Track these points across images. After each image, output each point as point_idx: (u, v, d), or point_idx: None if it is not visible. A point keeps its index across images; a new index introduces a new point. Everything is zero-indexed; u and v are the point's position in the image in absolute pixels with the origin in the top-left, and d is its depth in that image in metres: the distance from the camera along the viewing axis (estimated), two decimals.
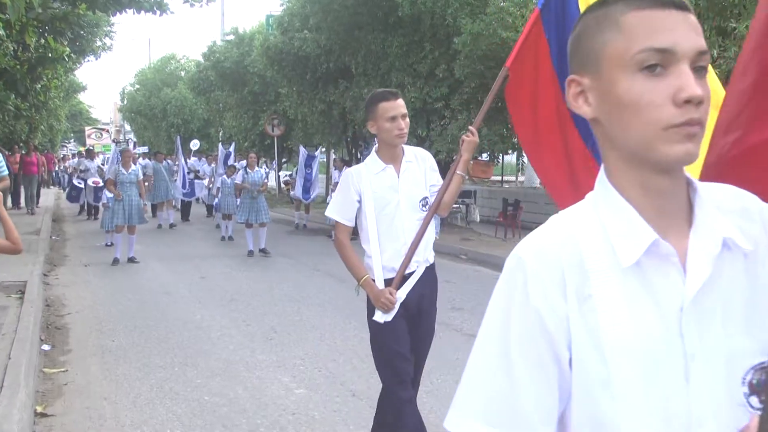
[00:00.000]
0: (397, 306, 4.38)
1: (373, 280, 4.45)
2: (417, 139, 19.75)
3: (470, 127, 4.56)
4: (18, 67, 18.04)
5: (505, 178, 31.19)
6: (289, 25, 23.45)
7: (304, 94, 24.74)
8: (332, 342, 8.56)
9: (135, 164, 15.38)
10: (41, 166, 27.61)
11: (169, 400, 6.53)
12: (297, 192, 21.33)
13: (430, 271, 4.65)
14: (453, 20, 17.76)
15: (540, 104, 4.39)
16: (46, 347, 8.31)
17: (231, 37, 34.03)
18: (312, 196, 21.41)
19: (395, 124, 4.43)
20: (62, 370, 7.50)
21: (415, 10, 18.00)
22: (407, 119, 4.52)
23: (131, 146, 25.51)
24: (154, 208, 24.21)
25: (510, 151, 21.10)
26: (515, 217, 19.76)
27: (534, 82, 4.42)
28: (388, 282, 4.42)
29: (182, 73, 51.23)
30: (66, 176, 36.01)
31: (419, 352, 4.69)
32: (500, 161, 28.32)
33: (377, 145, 4.68)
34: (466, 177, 4.76)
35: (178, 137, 25.86)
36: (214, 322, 9.62)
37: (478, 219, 21.75)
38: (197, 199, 26.14)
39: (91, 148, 30.84)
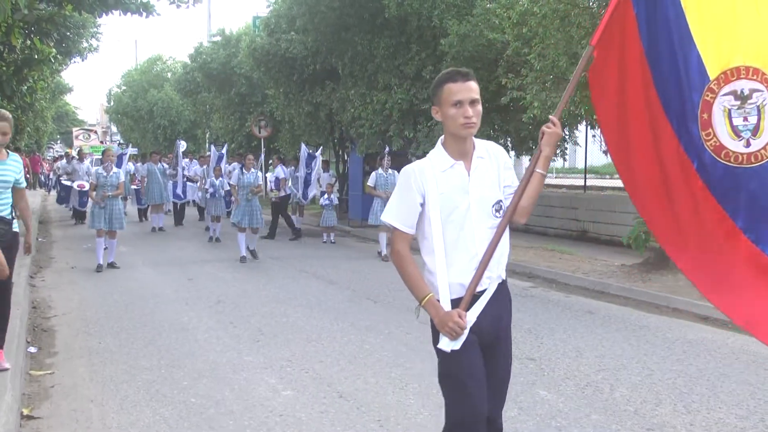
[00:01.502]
0: (466, 331, 3.69)
1: (437, 300, 3.74)
2: (404, 140, 19.77)
3: (551, 117, 3.91)
4: (4, 68, 17.98)
5: None
6: (275, 26, 23.44)
7: (291, 96, 24.74)
8: (319, 343, 8.56)
9: (116, 167, 15.17)
10: (25, 168, 27.43)
11: (155, 402, 6.52)
12: (298, 193, 21.09)
13: (503, 288, 3.92)
14: (439, 22, 17.81)
15: (628, 90, 4.02)
16: (32, 349, 8.29)
17: (218, 39, 33.98)
18: (310, 197, 21.32)
19: (461, 110, 3.71)
20: (49, 372, 7.48)
21: (401, 12, 18.03)
22: (479, 106, 3.77)
23: (127, 148, 25.26)
24: (142, 211, 24.08)
25: None
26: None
27: (621, 65, 4.03)
28: (455, 302, 3.73)
29: (169, 75, 51.11)
30: (54, 178, 35.87)
31: (497, 387, 3.97)
32: None
33: (443, 136, 3.93)
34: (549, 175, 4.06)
35: (179, 141, 25.74)
36: (200, 323, 9.60)
37: None
38: (191, 202, 25.95)
39: (79, 148, 30.63)
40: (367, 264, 15.34)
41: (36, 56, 19.46)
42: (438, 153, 3.87)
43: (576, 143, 22.89)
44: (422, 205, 3.79)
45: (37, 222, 22.90)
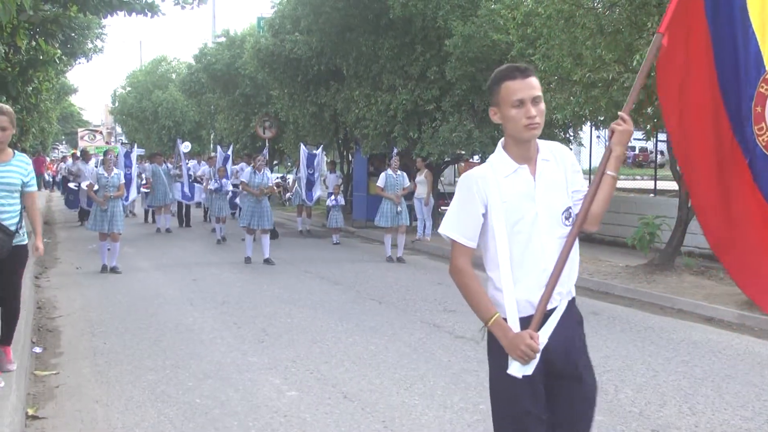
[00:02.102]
0: (538, 355, 3.32)
1: (504, 320, 3.39)
2: (408, 141, 19.77)
3: (621, 113, 3.56)
4: (9, 69, 17.97)
5: None
6: (280, 27, 23.44)
7: (295, 96, 24.74)
8: (324, 344, 8.56)
9: (122, 167, 15.06)
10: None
11: (160, 402, 6.53)
12: (300, 194, 21.03)
13: (572, 306, 3.56)
14: (444, 22, 17.81)
15: (692, 80, 3.76)
16: (37, 350, 8.30)
17: (222, 40, 33.96)
18: (315, 197, 21.23)
19: (523, 110, 3.36)
20: (53, 372, 7.49)
21: (406, 13, 18.03)
22: (542, 104, 3.42)
23: (133, 148, 25.17)
24: (147, 212, 24.03)
25: None
26: None
27: (686, 52, 3.74)
28: (524, 322, 3.38)
29: (173, 76, 51.08)
30: (59, 178, 35.90)
31: (574, 421, 3.56)
32: None
33: (504, 140, 3.58)
34: (619, 177, 3.66)
35: (179, 140, 25.70)
36: (205, 324, 9.61)
37: None
38: (198, 204, 25.83)
39: (85, 150, 30.61)
40: (371, 265, 15.34)
41: (41, 57, 19.44)
42: (499, 157, 3.52)
43: (581, 144, 22.87)
44: (484, 215, 3.45)
45: (41, 223, 22.91)
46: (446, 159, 20.74)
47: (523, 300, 3.40)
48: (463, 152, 20.06)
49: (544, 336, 3.36)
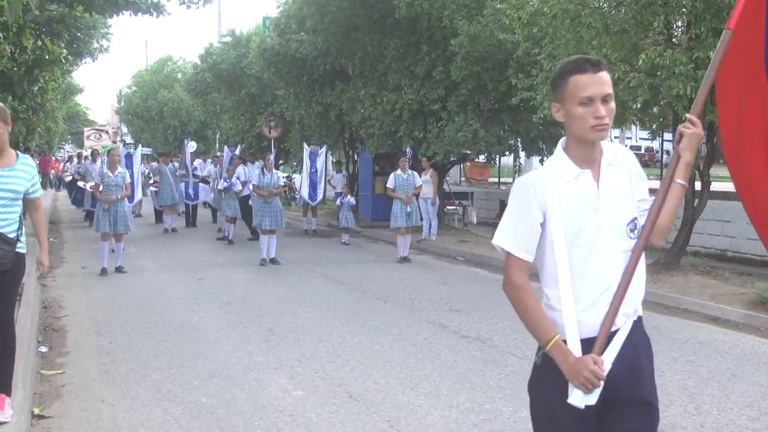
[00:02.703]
0: (602, 382, 2.97)
1: (564, 341, 3.04)
2: (414, 141, 19.76)
3: (688, 116, 3.21)
4: (15, 69, 18.03)
5: (502, 179, 31.21)
6: (285, 27, 23.44)
7: (300, 96, 24.74)
8: (329, 344, 8.56)
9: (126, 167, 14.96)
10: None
11: (166, 401, 6.53)
12: (303, 194, 21.02)
13: (639, 327, 3.22)
14: (450, 22, 17.79)
15: (749, 81, 3.46)
16: (43, 349, 8.32)
17: (228, 39, 33.98)
18: (319, 198, 21.18)
19: (591, 109, 3.04)
20: (59, 372, 7.50)
21: (411, 12, 18.02)
22: (612, 103, 3.09)
23: (136, 148, 25.09)
24: (159, 213, 24.01)
25: (507, 153, 21.08)
26: None
27: (748, 51, 3.43)
28: (585, 344, 3.03)
29: (179, 75, 51.17)
30: (65, 179, 35.95)
31: None
32: (497, 163, 28.36)
33: (565, 139, 3.26)
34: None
35: (186, 140, 25.70)
36: (211, 324, 9.62)
37: (475, 221, 21.77)
38: (204, 204, 25.76)
39: (94, 150, 30.62)
40: (377, 264, 15.33)
41: (47, 57, 19.51)
42: (559, 160, 3.19)
43: None
44: (542, 224, 3.10)
45: (47, 222, 22.96)
46: (452, 159, 20.71)
47: (585, 320, 3.07)
48: (468, 152, 20.03)
49: (608, 361, 3.01)
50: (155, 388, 6.90)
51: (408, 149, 17.88)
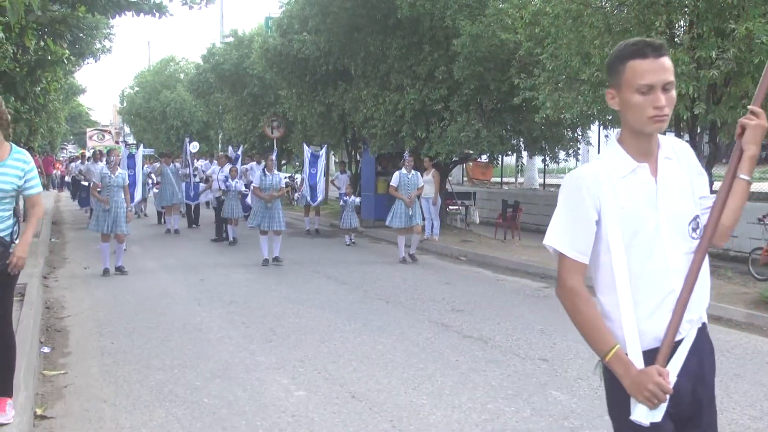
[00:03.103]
0: (668, 396, 2.74)
1: (626, 354, 2.80)
2: (416, 140, 19.76)
3: (752, 107, 2.96)
4: (17, 69, 18.03)
5: (505, 179, 31.24)
6: (288, 27, 23.46)
7: (303, 96, 24.76)
8: (331, 344, 8.56)
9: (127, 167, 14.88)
10: (38, 169, 27.14)
11: (168, 402, 6.53)
12: (304, 194, 21.00)
13: (703, 335, 3.01)
14: (452, 22, 17.79)
15: None
16: (45, 349, 8.32)
17: (230, 40, 34.03)
18: (320, 198, 21.14)
19: (650, 98, 2.79)
20: (62, 372, 7.51)
21: (414, 12, 18.01)
22: (673, 91, 2.85)
23: (137, 149, 25.02)
24: (161, 214, 23.99)
25: (509, 153, 21.07)
26: (515, 219, 19.78)
27: None
28: (647, 355, 2.80)
29: (181, 76, 51.23)
30: (70, 179, 36.02)
31: None
32: (500, 163, 28.36)
33: (620, 131, 3.02)
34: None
35: (188, 139, 25.68)
36: (213, 324, 9.62)
37: (478, 221, 21.75)
38: (207, 204, 25.68)
39: (97, 150, 30.64)
40: (379, 265, 15.33)
41: (49, 57, 19.51)
42: (614, 152, 2.95)
43: (589, 143, 22.86)
44: (597, 223, 2.86)
45: (50, 223, 22.99)
46: (454, 159, 20.70)
47: (647, 330, 2.83)
48: (471, 152, 20.02)
49: (673, 372, 2.79)
50: (157, 389, 6.90)
51: (405, 153, 17.77)
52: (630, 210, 2.82)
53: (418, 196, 16.58)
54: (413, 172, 16.35)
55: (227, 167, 19.78)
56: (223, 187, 19.30)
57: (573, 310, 2.87)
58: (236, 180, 19.30)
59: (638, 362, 2.76)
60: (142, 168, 21.33)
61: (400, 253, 15.98)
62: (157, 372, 7.45)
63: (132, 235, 14.97)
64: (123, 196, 13.82)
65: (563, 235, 2.90)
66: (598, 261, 2.90)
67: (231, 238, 18.96)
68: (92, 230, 14.31)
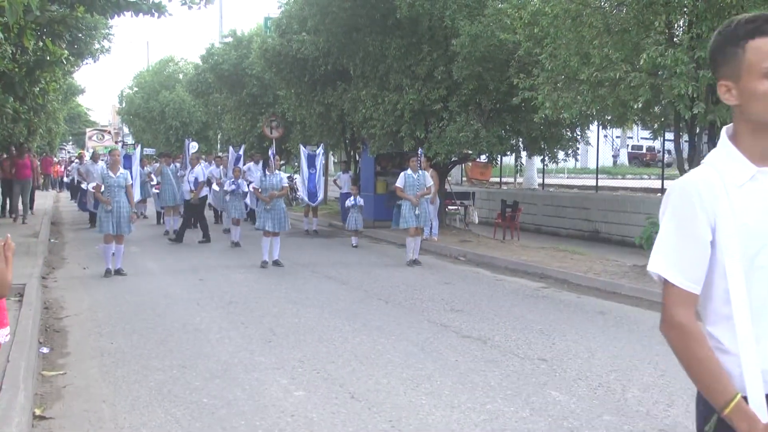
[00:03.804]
0: None
1: (744, 398, 2.27)
2: (415, 141, 19.75)
3: None
4: (16, 70, 18.03)
5: (504, 179, 31.25)
6: (287, 27, 23.46)
7: (302, 96, 24.75)
8: (331, 344, 8.55)
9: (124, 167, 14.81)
10: (35, 169, 26.77)
11: (167, 402, 6.53)
12: (303, 195, 20.96)
13: None
14: (451, 22, 17.79)
15: None
16: (44, 350, 8.31)
17: (229, 40, 33.99)
18: (319, 198, 21.09)
19: None
20: (61, 372, 7.50)
21: (413, 13, 18.01)
22: None
23: (136, 150, 24.92)
24: (160, 214, 23.95)
25: (508, 153, 21.06)
26: (514, 219, 19.81)
27: None
28: None
29: (180, 76, 51.15)
30: (68, 180, 35.99)
31: None
32: (499, 163, 28.36)
33: (732, 128, 2.47)
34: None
35: (188, 140, 25.64)
36: (212, 324, 9.62)
37: (477, 221, 21.76)
38: (208, 205, 25.60)
39: (93, 150, 30.59)
40: (378, 265, 15.33)
41: (48, 58, 19.49)
42: (728, 155, 2.40)
43: (588, 143, 22.87)
44: (712, 244, 2.34)
45: (49, 223, 22.98)
46: (453, 159, 20.69)
47: None
48: (470, 152, 20.02)
49: None
50: (157, 389, 6.90)
51: (420, 150, 17.60)
52: (751, 226, 2.30)
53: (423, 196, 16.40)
54: (420, 171, 16.02)
55: (198, 167, 19.81)
56: (231, 188, 19.29)
57: (683, 350, 2.36)
58: (240, 180, 19.28)
59: (762, 413, 2.25)
60: (141, 168, 21.29)
61: (407, 255, 15.67)
62: (157, 372, 7.45)
63: (132, 235, 14.94)
64: (126, 196, 13.74)
65: (672, 259, 2.37)
66: (711, 288, 2.38)
67: (235, 240, 18.83)
68: (98, 231, 14.14)
